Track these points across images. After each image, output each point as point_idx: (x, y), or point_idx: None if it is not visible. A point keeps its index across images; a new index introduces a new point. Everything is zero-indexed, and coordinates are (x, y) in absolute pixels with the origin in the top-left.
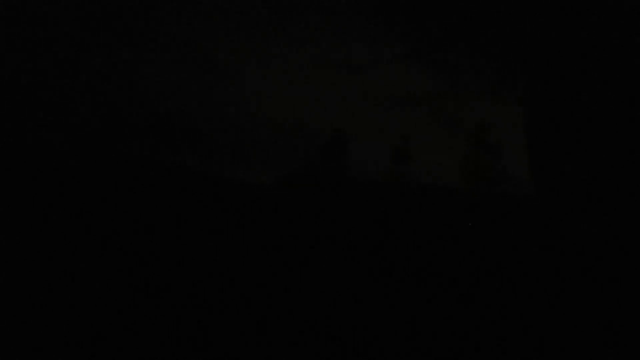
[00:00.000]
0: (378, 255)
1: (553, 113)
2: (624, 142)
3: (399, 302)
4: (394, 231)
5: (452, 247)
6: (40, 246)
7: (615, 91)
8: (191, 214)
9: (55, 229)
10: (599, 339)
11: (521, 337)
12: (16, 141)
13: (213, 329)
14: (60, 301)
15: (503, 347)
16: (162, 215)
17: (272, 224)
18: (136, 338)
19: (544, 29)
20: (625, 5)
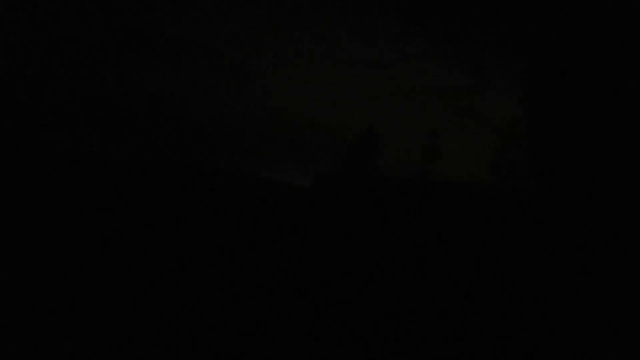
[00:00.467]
0: (409, 249)
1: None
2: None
3: (428, 290)
4: (425, 227)
5: (480, 241)
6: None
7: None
8: (229, 213)
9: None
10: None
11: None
12: (33, 140)
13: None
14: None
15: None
16: (199, 214)
17: (307, 221)
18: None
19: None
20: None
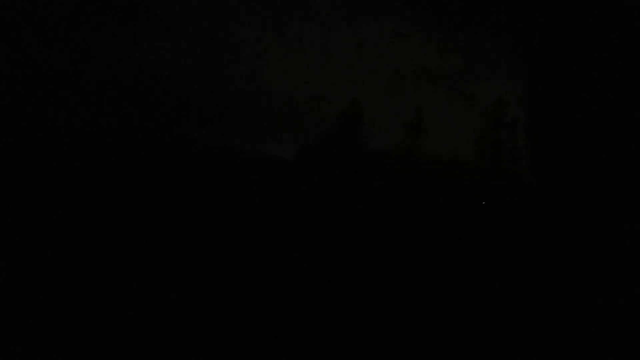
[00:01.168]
0: (391, 224)
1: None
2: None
3: (411, 269)
4: (407, 202)
5: (462, 219)
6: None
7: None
8: (212, 185)
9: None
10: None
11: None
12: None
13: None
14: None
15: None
16: (184, 188)
17: (290, 193)
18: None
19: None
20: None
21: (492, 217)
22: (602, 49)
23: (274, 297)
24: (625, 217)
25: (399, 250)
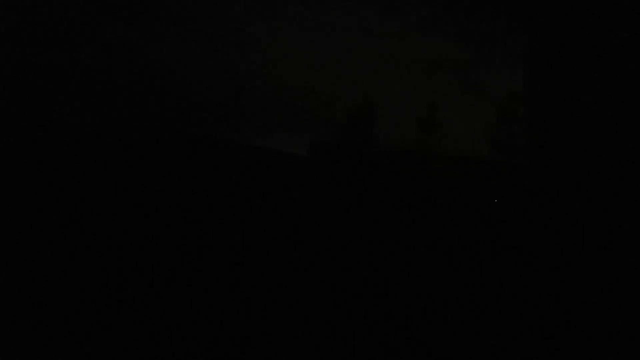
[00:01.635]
0: (404, 222)
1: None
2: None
3: (423, 263)
4: (420, 199)
5: (474, 216)
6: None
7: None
8: (224, 182)
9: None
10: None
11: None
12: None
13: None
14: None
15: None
16: (196, 184)
17: (303, 191)
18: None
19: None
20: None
21: (507, 216)
22: (602, 49)
23: (295, 297)
24: (625, 217)
25: (413, 250)
